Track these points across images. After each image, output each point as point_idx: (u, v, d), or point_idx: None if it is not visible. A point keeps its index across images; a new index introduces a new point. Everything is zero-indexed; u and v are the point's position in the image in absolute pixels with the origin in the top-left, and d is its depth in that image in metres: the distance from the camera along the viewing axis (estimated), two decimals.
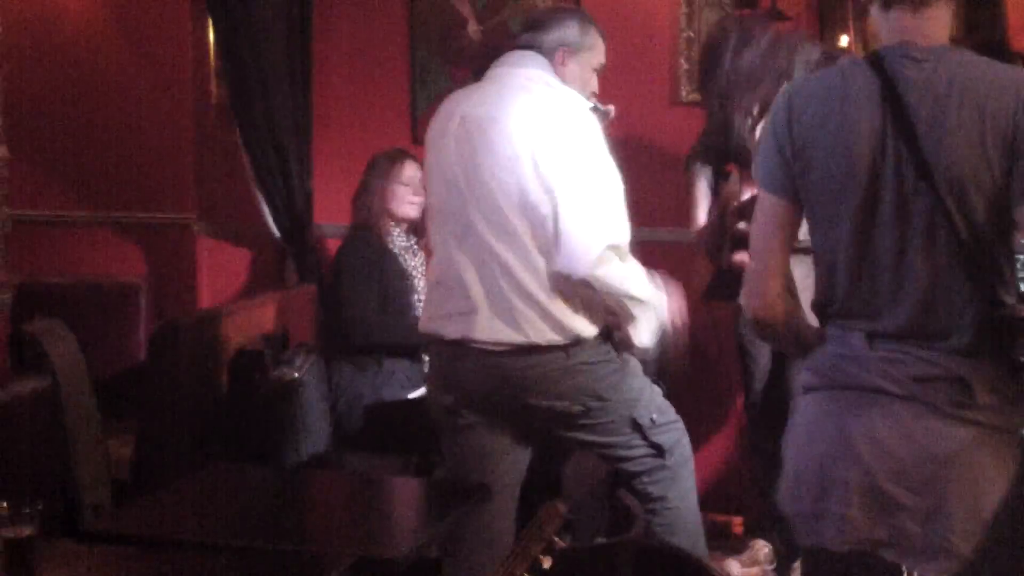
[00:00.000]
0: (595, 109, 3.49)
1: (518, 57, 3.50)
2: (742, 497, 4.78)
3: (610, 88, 3.73)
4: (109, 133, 5.60)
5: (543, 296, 3.33)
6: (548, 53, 3.47)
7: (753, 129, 3.85)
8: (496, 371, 3.38)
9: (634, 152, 4.44)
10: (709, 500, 4.38)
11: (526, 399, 3.40)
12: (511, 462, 3.54)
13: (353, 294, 4.51)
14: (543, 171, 3.27)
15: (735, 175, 4.04)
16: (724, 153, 4.07)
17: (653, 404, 3.53)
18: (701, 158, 4.30)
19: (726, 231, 3.98)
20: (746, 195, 3.90)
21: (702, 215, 4.26)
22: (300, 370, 4.32)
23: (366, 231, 4.64)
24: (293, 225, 5.24)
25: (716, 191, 4.20)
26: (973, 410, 2.29)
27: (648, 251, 3.69)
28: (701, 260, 4.20)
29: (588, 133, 3.35)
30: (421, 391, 4.23)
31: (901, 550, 2.32)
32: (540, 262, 3.32)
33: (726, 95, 3.96)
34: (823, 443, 2.40)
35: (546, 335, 3.34)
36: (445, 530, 3.18)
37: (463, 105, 3.49)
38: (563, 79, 3.46)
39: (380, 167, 4.69)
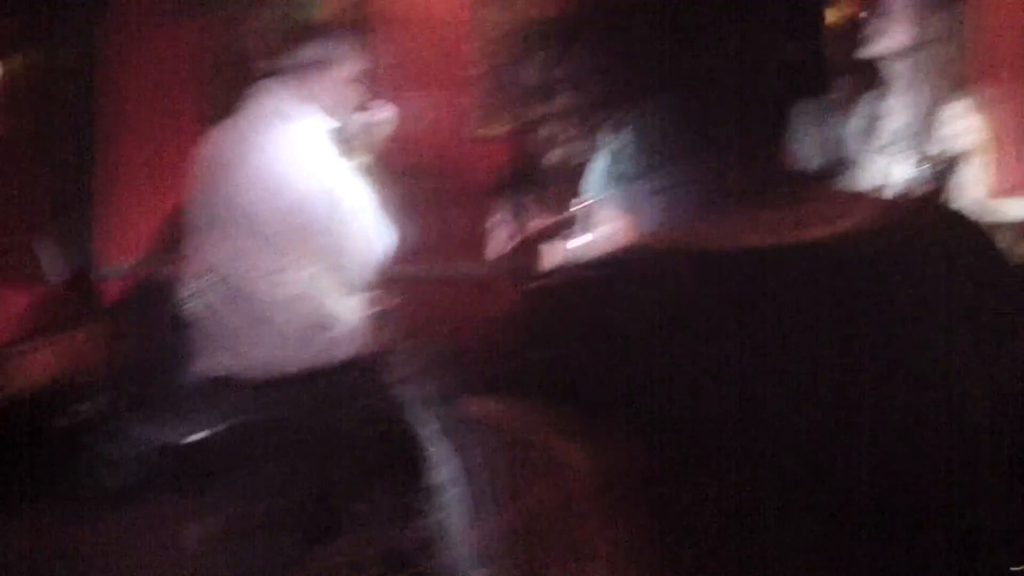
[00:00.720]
0: (344, 130, 3.45)
1: (259, 88, 3.44)
2: None
3: (404, 123, 3.70)
4: None
5: (292, 327, 3.30)
6: (293, 76, 3.40)
7: (553, 151, 3.85)
8: (255, 406, 3.34)
9: (429, 186, 4.42)
10: None
11: (288, 434, 3.34)
12: (288, 500, 3.47)
13: (145, 339, 4.37)
14: (287, 203, 3.26)
15: (532, 203, 4.03)
16: (525, 182, 4.06)
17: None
18: (502, 189, 4.27)
19: (523, 259, 3.97)
20: (541, 223, 3.88)
21: (498, 245, 4.23)
22: (83, 414, 4.17)
23: (159, 274, 4.50)
24: (75, 267, 5.08)
25: (520, 220, 4.17)
26: None
27: (441, 285, 3.66)
28: (500, 288, 4.18)
29: (318, 159, 3.33)
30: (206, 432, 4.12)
31: None
32: (291, 290, 3.30)
33: (529, 116, 3.98)
34: None
35: (296, 366, 3.31)
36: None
37: (211, 144, 3.46)
38: (314, 99, 3.40)
39: None
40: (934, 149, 3.43)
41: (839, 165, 1.17)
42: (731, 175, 1.13)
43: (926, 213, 1.27)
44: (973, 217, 1.23)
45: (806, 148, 1.15)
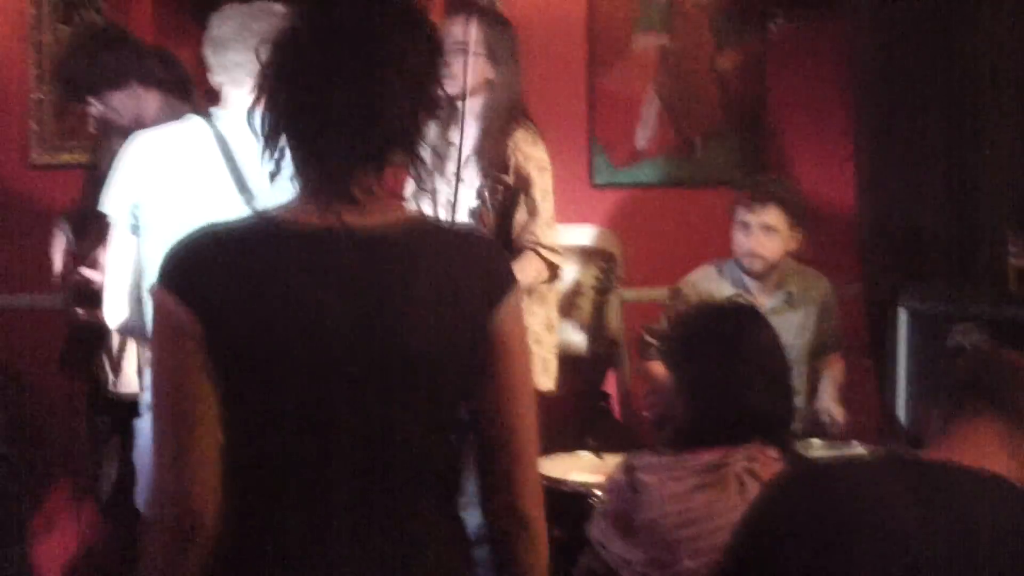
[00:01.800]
0: None
1: None
2: None
3: None
4: None
5: None
6: None
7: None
8: None
9: None
10: None
11: None
12: None
13: None
14: None
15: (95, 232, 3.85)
16: (88, 211, 3.89)
17: None
18: (64, 218, 4.07)
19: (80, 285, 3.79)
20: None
21: (60, 274, 4.05)
22: None
23: None
24: None
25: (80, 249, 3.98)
26: None
27: (6, 318, 3.53)
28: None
29: None
30: None
31: None
32: None
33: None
34: None
35: None
36: None
37: None
38: None
39: None
40: (497, 177, 3.61)
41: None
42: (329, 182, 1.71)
43: (451, 228, 1.99)
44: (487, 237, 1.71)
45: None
